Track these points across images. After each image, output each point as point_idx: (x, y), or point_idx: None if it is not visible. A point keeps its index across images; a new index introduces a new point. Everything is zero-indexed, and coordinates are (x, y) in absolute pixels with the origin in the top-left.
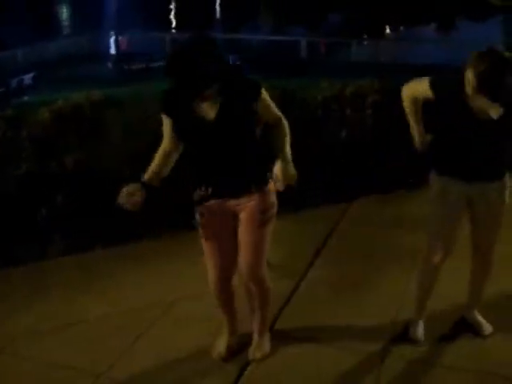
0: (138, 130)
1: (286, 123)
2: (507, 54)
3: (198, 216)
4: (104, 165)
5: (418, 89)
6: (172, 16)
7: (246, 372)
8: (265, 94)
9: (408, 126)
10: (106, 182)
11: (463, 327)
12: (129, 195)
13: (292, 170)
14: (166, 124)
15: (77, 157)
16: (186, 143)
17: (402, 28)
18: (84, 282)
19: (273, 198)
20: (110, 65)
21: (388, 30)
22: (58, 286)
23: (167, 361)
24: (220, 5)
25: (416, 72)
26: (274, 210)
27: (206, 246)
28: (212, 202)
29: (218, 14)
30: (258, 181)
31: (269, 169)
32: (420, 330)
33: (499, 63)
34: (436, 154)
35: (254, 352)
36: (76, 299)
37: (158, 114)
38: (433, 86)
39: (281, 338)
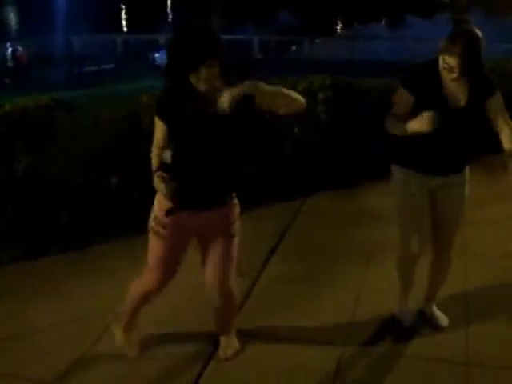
0: (89, 135)
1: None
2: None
3: (155, 225)
4: (55, 170)
5: (399, 105)
6: (123, 18)
7: (205, 371)
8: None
9: (360, 121)
10: (59, 188)
11: (422, 320)
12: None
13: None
14: (159, 126)
15: (26, 162)
16: (177, 142)
17: (353, 26)
18: (36, 289)
19: (238, 209)
20: (60, 67)
21: (339, 28)
22: (7, 294)
23: (124, 365)
24: (171, 6)
25: (368, 68)
26: (239, 221)
27: (157, 256)
28: (181, 214)
29: (169, 16)
30: (231, 193)
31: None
32: (411, 315)
33: (474, 39)
34: (402, 147)
35: (225, 351)
36: (27, 307)
37: (109, 117)
38: (407, 85)
39: (239, 335)
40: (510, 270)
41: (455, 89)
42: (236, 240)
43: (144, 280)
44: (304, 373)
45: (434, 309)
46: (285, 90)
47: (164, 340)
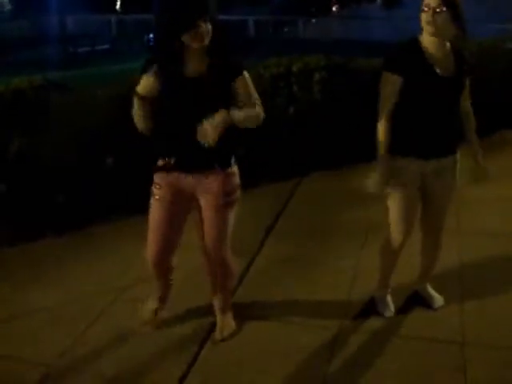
0: (83, 115)
1: (260, 111)
2: None
3: (153, 187)
4: (49, 151)
5: (389, 92)
6: None
7: (202, 351)
8: (246, 75)
9: (355, 101)
10: (54, 169)
11: (416, 300)
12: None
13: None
14: (145, 81)
15: (20, 143)
16: (160, 103)
17: (347, 6)
18: (33, 271)
19: (237, 181)
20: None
21: (334, 8)
22: (4, 276)
23: (122, 345)
24: None
25: (362, 47)
26: (238, 192)
27: (154, 218)
28: (173, 174)
29: None
30: (222, 160)
31: (234, 152)
32: (390, 304)
33: None
34: (397, 136)
35: (221, 332)
36: (24, 289)
37: (103, 97)
38: (391, 67)
39: (235, 315)
40: (504, 249)
41: (441, 58)
42: (232, 210)
43: (146, 245)
44: (300, 352)
45: (429, 288)
46: (252, 113)
47: (161, 320)
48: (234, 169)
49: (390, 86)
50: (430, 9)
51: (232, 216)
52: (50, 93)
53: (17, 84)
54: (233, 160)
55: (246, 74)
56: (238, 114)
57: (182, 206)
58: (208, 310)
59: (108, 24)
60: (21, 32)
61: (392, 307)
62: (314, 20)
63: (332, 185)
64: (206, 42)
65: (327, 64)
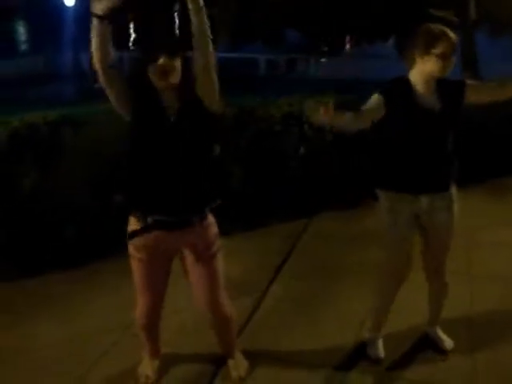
0: (95, 151)
1: None
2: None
3: (130, 248)
4: (60, 187)
5: (370, 111)
6: (131, 35)
7: None
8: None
9: (367, 142)
10: (63, 205)
11: (426, 343)
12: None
13: None
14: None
15: (33, 180)
16: (138, 142)
17: (360, 45)
18: (39, 306)
19: (215, 230)
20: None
21: (347, 47)
22: (10, 311)
23: None
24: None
25: (374, 86)
26: (218, 241)
27: (139, 280)
28: (150, 236)
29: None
30: (200, 214)
31: (209, 203)
32: (380, 348)
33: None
34: (381, 168)
35: (238, 372)
36: (31, 323)
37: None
38: (383, 95)
39: (244, 355)
40: None
41: (428, 96)
42: (218, 259)
43: (137, 305)
44: None
45: (439, 331)
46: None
47: (168, 360)
48: (210, 219)
49: (374, 103)
50: (447, 58)
51: (220, 264)
52: (64, 128)
53: (31, 119)
54: (207, 210)
55: None
56: None
57: (163, 264)
58: (215, 350)
59: (120, 60)
60: (36, 68)
61: (382, 351)
62: (323, 59)
63: (341, 225)
64: (172, 80)
65: (339, 103)
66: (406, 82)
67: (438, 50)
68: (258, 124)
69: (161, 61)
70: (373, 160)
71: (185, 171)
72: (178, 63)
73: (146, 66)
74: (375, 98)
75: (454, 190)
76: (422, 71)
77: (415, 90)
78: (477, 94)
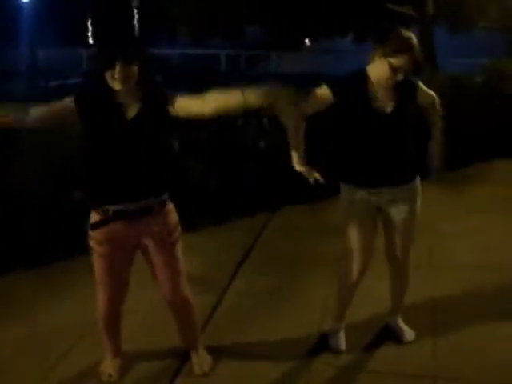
0: (53, 149)
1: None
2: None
3: (92, 243)
4: (21, 185)
5: (314, 99)
6: (89, 32)
7: None
8: (179, 97)
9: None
10: (22, 203)
11: (387, 333)
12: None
13: None
14: (63, 107)
15: None
16: (95, 141)
17: (319, 40)
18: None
19: (176, 217)
20: (25, 81)
21: (307, 42)
22: None
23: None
24: (138, 20)
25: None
26: (179, 228)
27: (100, 275)
28: (112, 227)
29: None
30: (160, 200)
31: (167, 189)
32: (341, 339)
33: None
34: (341, 162)
35: (201, 367)
36: None
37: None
38: (332, 86)
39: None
40: (475, 281)
41: (382, 96)
42: (177, 248)
43: (97, 301)
44: None
45: (399, 322)
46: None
47: (130, 358)
48: (170, 206)
49: (319, 96)
50: (402, 70)
51: (180, 253)
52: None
53: None
54: (166, 197)
55: (178, 96)
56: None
57: (126, 257)
58: (179, 345)
59: (79, 58)
60: None
61: (344, 343)
62: (284, 54)
63: (303, 218)
64: (131, 83)
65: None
66: (362, 79)
67: (398, 61)
68: (220, 118)
69: (118, 68)
70: (333, 153)
71: (143, 165)
72: (134, 68)
73: (103, 71)
74: (323, 90)
75: (417, 181)
76: (378, 70)
77: (370, 89)
78: (424, 97)
